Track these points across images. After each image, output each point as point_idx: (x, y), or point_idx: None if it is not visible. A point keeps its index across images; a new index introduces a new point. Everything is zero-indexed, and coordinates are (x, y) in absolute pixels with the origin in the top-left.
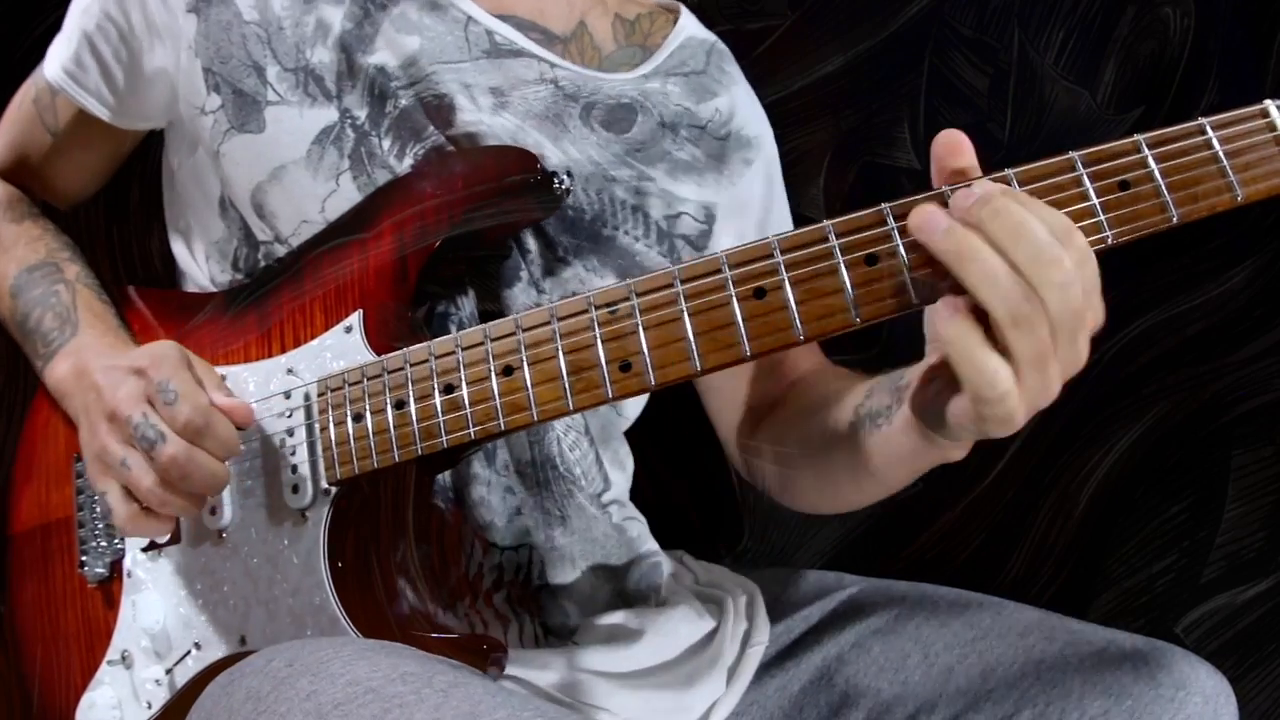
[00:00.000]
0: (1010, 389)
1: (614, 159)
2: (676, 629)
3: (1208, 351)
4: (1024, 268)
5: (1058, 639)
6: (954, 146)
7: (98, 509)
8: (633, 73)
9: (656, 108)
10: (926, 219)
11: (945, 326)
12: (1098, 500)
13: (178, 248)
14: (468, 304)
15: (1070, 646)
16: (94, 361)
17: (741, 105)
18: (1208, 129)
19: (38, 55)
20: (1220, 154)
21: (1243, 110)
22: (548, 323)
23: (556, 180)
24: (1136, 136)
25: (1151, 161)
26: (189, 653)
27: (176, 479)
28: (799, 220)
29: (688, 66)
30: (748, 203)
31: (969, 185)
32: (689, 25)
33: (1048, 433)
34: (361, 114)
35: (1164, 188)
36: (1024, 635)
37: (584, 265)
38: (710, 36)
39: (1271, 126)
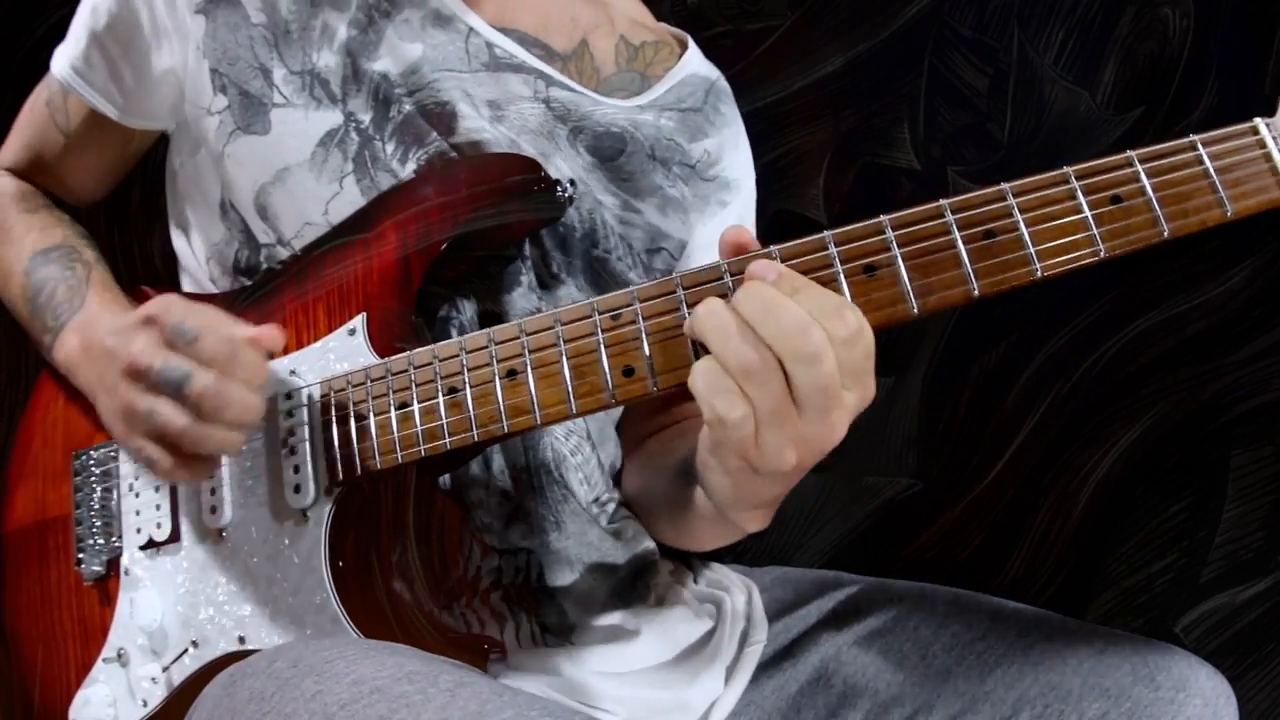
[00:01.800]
0: (743, 418)
1: (599, 184)
2: (675, 629)
3: (1207, 351)
4: (770, 340)
5: (1056, 639)
6: (736, 245)
7: (95, 506)
8: (629, 101)
9: (648, 140)
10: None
11: (695, 367)
12: (1097, 500)
13: (179, 243)
14: (469, 308)
15: (1069, 647)
16: (99, 336)
17: (729, 148)
18: (1199, 145)
19: (39, 55)
20: (1211, 170)
21: (1233, 128)
22: (551, 327)
23: (560, 187)
24: (1129, 153)
25: (1144, 177)
26: (186, 651)
27: (209, 412)
28: (799, 221)
29: (685, 103)
30: (714, 242)
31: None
32: (693, 61)
33: (1047, 433)
34: (366, 118)
35: (1155, 202)
36: (1023, 635)
37: (575, 284)
38: (713, 74)
39: (1261, 144)
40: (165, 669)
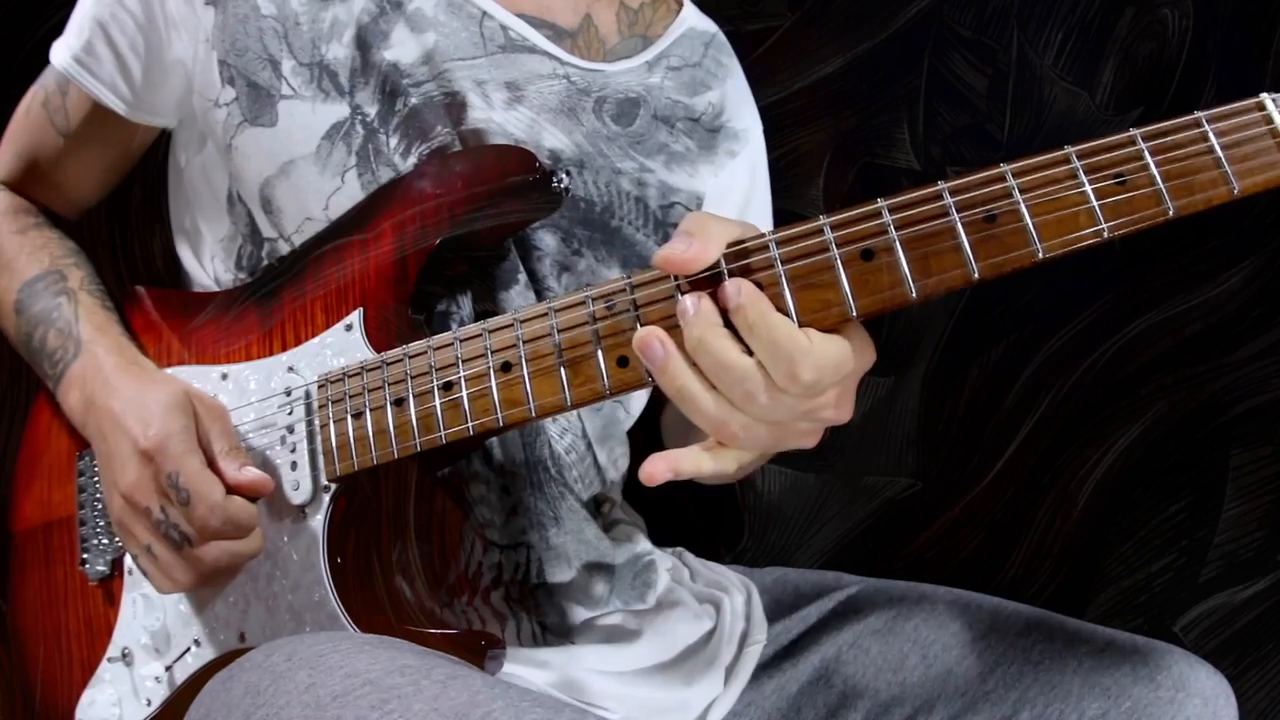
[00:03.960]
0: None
1: (620, 151)
2: (674, 629)
3: (1206, 351)
4: (711, 378)
5: (1056, 639)
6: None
7: (99, 507)
8: (633, 61)
9: (654, 101)
10: (649, 348)
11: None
12: (1096, 500)
13: (182, 251)
14: (468, 303)
15: (1069, 647)
16: (100, 395)
17: (732, 98)
18: (1204, 122)
19: (39, 57)
20: (1216, 147)
21: (1239, 104)
22: (545, 317)
23: (555, 179)
24: (1132, 130)
25: (1147, 155)
26: (188, 650)
27: (202, 572)
28: (799, 221)
29: (685, 59)
30: (729, 192)
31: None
32: (690, 16)
33: (1047, 433)
34: (372, 111)
35: (1160, 181)
36: (1023, 635)
37: (595, 256)
38: (710, 28)
39: (1268, 119)
40: (168, 668)
